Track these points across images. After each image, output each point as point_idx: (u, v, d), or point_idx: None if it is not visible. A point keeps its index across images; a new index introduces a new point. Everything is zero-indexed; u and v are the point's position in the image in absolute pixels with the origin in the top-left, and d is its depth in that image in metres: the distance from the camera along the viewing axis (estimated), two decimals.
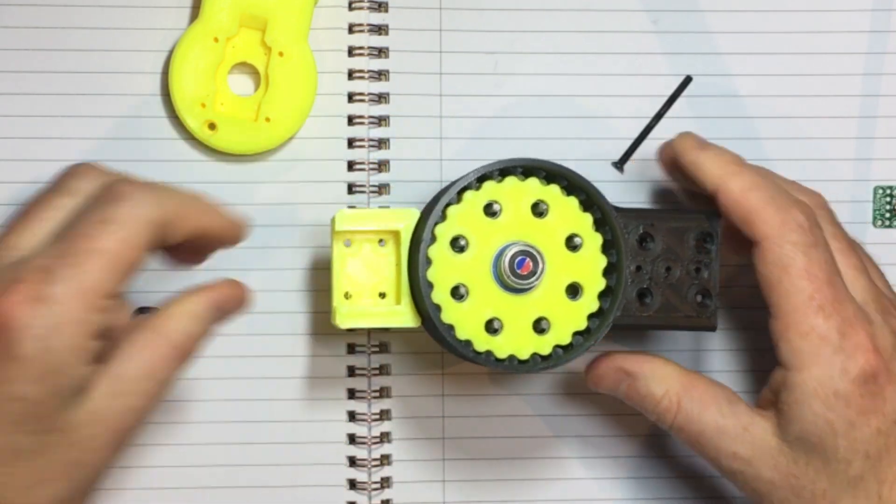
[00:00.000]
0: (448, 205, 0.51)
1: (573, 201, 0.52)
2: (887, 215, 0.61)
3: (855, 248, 0.54)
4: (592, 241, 0.52)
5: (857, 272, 0.53)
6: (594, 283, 0.52)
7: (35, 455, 0.45)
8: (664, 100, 0.58)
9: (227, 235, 0.50)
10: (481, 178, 0.52)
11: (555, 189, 0.52)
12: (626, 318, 0.52)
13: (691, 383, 0.53)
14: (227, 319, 0.50)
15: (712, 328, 0.54)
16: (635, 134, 0.57)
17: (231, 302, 0.50)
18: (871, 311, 0.52)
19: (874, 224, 0.61)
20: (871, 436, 0.50)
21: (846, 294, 0.51)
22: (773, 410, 0.52)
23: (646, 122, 0.57)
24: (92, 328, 0.45)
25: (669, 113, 0.57)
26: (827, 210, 0.55)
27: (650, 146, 0.58)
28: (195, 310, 0.48)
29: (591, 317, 0.52)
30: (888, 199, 0.61)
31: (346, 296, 0.53)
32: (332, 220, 0.53)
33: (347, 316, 0.52)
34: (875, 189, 0.61)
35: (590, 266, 0.52)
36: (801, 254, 0.50)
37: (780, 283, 0.50)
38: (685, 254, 0.53)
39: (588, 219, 0.52)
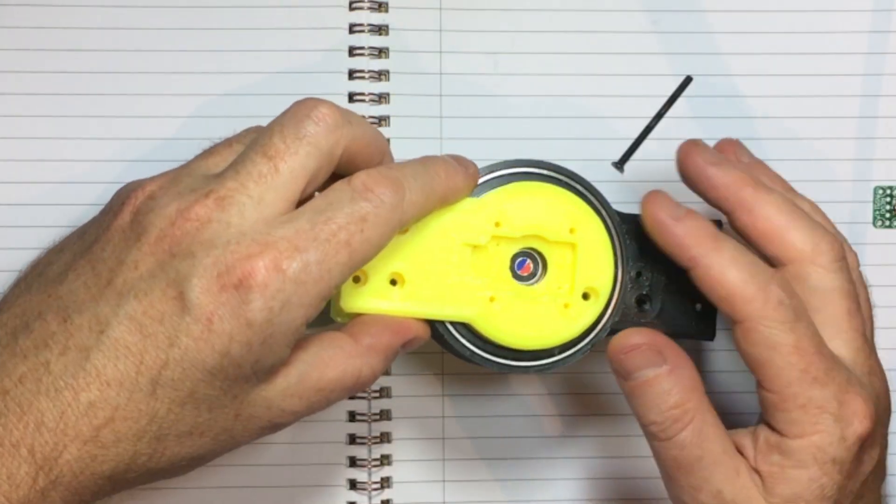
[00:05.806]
0: None
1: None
2: (887, 215, 0.61)
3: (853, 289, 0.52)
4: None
5: (853, 331, 0.51)
6: None
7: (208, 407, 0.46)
8: (664, 100, 0.57)
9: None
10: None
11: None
12: (625, 323, 0.52)
13: (708, 405, 0.51)
14: (406, 347, 0.51)
15: (710, 337, 0.54)
16: (635, 134, 0.56)
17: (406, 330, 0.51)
18: (859, 373, 0.51)
19: (874, 224, 0.61)
20: (849, 496, 0.50)
21: (836, 361, 0.50)
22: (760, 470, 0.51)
23: (646, 122, 0.57)
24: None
25: (669, 113, 0.57)
26: (837, 248, 0.52)
27: (650, 146, 0.58)
28: (385, 345, 0.49)
29: None
30: (888, 199, 0.60)
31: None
32: None
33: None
34: (875, 189, 0.61)
35: None
36: (787, 332, 0.49)
37: (771, 362, 0.49)
38: None
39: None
